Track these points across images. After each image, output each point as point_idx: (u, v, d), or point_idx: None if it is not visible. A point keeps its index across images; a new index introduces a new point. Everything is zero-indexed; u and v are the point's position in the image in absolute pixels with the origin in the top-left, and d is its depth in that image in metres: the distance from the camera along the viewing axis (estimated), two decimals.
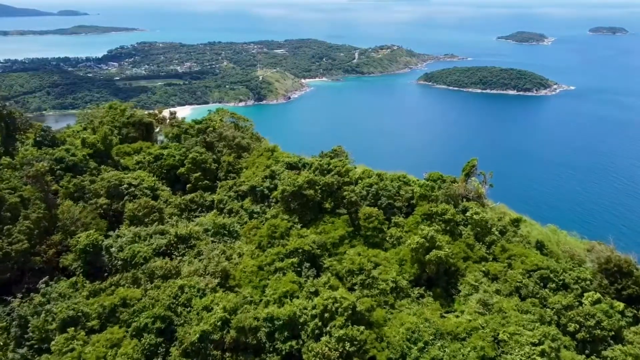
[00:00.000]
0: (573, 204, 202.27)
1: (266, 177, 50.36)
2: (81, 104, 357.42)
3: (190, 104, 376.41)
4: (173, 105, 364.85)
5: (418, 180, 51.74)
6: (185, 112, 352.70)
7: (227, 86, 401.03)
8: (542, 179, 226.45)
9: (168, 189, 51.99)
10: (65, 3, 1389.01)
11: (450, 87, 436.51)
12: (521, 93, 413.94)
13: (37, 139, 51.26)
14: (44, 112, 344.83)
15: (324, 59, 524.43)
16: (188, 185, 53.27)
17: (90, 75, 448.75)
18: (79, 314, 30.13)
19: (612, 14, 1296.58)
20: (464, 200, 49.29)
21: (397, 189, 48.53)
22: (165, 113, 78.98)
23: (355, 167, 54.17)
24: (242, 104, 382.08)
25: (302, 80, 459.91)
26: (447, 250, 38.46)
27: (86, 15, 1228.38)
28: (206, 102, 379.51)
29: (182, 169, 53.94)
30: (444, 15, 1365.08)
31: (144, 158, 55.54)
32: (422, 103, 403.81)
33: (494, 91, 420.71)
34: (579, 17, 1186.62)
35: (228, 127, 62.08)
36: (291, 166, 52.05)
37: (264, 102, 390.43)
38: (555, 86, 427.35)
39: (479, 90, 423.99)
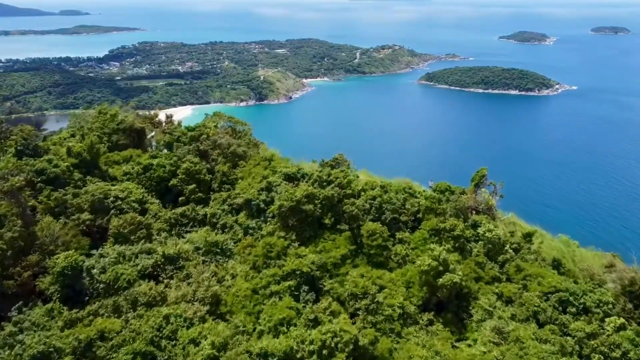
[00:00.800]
0: (574, 206, 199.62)
1: (262, 189, 46.70)
2: (82, 104, 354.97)
3: (192, 103, 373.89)
4: (174, 105, 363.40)
5: (424, 191, 48.71)
6: (186, 112, 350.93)
7: (228, 86, 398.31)
8: (546, 181, 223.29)
9: (158, 201, 48.08)
10: (66, 3, 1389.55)
11: (452, 87, 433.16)
12: (523, 93, 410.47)
13: (19, 148, 47.65)
14: (45, 112, 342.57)
15: (325, 59, 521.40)
16: (180, 198, 49.46)
17: (92, 75, 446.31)
18: (51, 349, 26.94)
19: (614, 13, 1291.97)
20: (474, 212, 46.02)
21: (403, 202, 45.18)
22: (162, 116, 75.03)
23: (358, 177, 50.82)
24: (243, 103, 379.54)
25: (304, 80, 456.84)
26: (460, 273, 35.33)
27: (88, 15, 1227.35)
28: (207, 102, 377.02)
29: (174, 180, 50.13)
30: (445, 14, 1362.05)
31: (133, 168, 51.31)
32: (423, 103, 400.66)
33: (496, 91, 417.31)
34: (581, 17, 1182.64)
35: (223, 133, 58.67)
36: (289, 177, 48.42)
37: (265, 102, 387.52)
38: (557, 86, 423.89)
39: (481, 90, 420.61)
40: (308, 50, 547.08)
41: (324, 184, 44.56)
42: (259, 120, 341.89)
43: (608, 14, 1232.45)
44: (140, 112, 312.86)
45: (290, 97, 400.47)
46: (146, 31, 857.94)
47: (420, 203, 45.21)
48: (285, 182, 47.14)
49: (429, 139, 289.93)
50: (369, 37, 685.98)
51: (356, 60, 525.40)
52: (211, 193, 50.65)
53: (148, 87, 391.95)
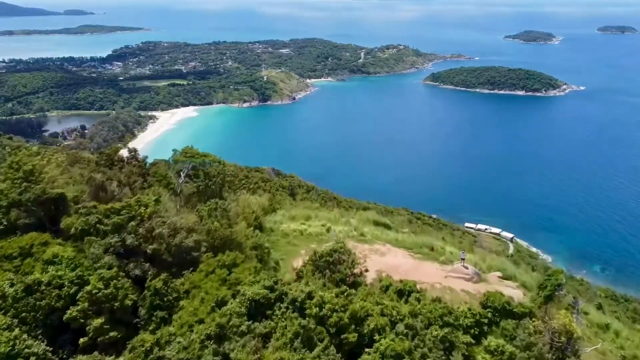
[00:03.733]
0: (583, 213, 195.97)
1: (210, 336, 25.19)
2: (84, 105, 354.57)
3: (194, 104, 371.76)
4: (177, 106, 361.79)
5: (469, 310, 30.27)
6: (189, 113, 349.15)
7: (231, 86, 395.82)
8: (559, 187, 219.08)
9: (42, 348, 25.25)
10: (71, 2, 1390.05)
11: (458, 88, 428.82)
12: (530, 94, 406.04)
13: None
14: (47, 112, 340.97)
15: (329, 59, 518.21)
16: (82, 340, 27.07)
17: (94, 75, 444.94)
18: None
19: (620, 12, 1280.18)
20: (550, 347, 28.99)
21: (444, 350, 26.74)
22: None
23: (367, 270, 32.99)
24: (246, 104, 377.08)
25: (307, 81, 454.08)
26: None
27: (92, 14, 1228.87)
28: (210, 103, 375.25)
29: (72, 310, 27.51)
30: (449, 13, 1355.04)
31: (12, 286, 27.82)
32: (429, 104, 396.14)
33: (503, 92, 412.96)
34: (587, 16, 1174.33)
35: (168, 211, 34.64)
36: (257, 305, 27.13)
37: (269, 102, 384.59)
38: (564, 86, 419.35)
39: (487, 91, 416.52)
40: (312, 50, 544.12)
41: (312, 331, 25.63)
42: (262, 122, 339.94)
43: (614, 13, 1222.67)
44: (142, 113, 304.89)
45: (294, 98, 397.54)
46: (150, 31, 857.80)
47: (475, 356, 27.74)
48: (248, 322, 26.37)
49: (437, 144, 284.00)
50: (373, 36, 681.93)
51: (360, 60, 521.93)
52: (139, 321, 28.93)
53: (151, 87, 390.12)
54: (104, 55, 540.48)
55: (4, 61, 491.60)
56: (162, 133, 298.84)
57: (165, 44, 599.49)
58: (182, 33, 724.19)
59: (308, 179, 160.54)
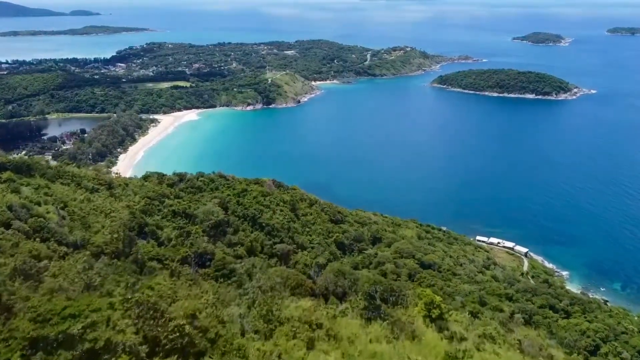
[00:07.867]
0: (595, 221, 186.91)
1: None
2: (85, 107, 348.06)
3: (197, 107, 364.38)
4: (179, 109, 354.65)
5: None
6: (190, 117, 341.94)
7: (235, 89, 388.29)
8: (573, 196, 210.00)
9: None
10: (77, 3, 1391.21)
11: (466, 91, 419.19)
12: (540, 97, 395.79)
13: None
14: (47, 115, 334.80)
15: (335, 61, 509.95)
16: None
17: (97, 76, 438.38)
18: None
19: (629, 13, 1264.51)
20: None
21: None
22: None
23: None
24: (250, 107, 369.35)
25: (313, 83, 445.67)
26: None
27: (98, 15, 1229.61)
28: (213, 106, 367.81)
29: None
30: (456, 14, 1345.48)
31: None
32: (437, 109, 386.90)
33: (512, 95, 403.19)
34: (596, 17, 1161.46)
35: None
36: None
37: (273, 105, 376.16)
38: (575, 90, 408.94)
39: (496, 94, 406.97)
40: (317, 52, 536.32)
41: None
42: (265, 127, 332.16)
43: (623, 15, 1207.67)
44: (144, 116, 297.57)
45: (299, 101, 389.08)
46: (155, 31, 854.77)
47: None
48: None
49: (446, 151, 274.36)
50: (379, 37, 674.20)
51: (367, 62, 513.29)
52: None
53: (153, 89, 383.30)
54: (108, 56, 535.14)
55: (7, 62, 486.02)
56: (162, 138, 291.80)
57: (169, 45, 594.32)
58: (187, 34, 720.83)
59: (311, 188, 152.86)
